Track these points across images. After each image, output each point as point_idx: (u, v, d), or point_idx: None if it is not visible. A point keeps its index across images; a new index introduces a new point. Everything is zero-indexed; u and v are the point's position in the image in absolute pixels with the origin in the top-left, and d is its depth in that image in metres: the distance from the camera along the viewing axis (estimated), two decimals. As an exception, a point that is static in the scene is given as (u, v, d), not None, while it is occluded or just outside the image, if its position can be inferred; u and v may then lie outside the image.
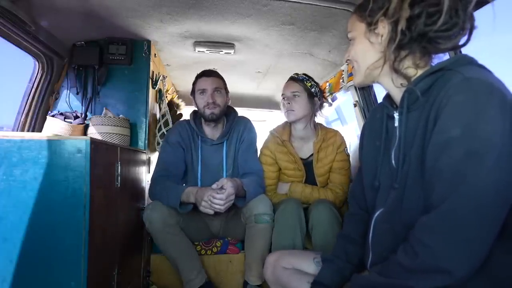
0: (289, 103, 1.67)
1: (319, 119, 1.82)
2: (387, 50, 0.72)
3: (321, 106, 1.76)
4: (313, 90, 1.69)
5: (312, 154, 1.70)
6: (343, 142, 1.70)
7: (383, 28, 0.72)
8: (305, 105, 1.66)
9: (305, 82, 1.68)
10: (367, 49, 0.76)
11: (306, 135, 1.72)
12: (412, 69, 0.73)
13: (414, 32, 0.68)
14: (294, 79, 1.71)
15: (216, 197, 1.36)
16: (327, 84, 2.41)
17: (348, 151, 1.73)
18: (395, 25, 0.69)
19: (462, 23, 0.66)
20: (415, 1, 0.67)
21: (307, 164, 1.70)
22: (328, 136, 1.70)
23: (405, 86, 0.73)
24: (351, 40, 0.81)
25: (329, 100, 2.46)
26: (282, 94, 1.72)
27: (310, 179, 1.70)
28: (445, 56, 0.74)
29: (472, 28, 0.67)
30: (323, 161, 1.67)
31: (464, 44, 0.69)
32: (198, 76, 1.71)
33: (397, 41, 0.70)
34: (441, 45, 0.68)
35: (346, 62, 0.87)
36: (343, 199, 1.64)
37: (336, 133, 1.72)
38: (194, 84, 1.72)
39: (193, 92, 1.72)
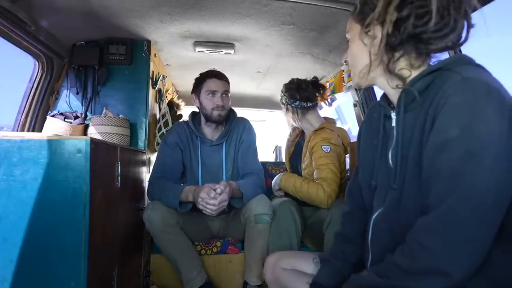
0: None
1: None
2: (380, 52, 0.72)
3: (312, 104, 1.74)
4: (283, 100, 1.78)
5: None
6: (319, 141, 1.61)
7: (376, 30, 0.72)
8: (288, 116, 1.81)
9: (281, 99, 1.81)
10: (361, 50, 0.76)
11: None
12: (407, 70, 0.72)
13: (404, 34, 0.68)
14: None
15: (209, 202, 1.40)
16: (328, 84, 2.41)
17: (335, 149, 1.63)
18: (392, 27, 0.69)
19: (453, 23, 0.65)
20: (403, 3, 0.67)
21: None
22: (313, 136, 1.67)
23: (401, 87, 0.73)
24: (349, 41, 0.81)
25: (329, 100, 2.46)
26: None
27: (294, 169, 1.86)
28: (443, 56, 0.73)
29: (469, 27, 0.67)
30: (306, 155, 1.70)
31: (458, 44, 0.68)
32: (208, 76, 1.68)
33: (385, 43, 0.70)
34: (433, 45, 0.68)
35: (345, 62, 0.87)
36: (331, 193, 1.53)
37: (320, 133, 1.66)
38: (200, 83, 1.68)
39: (197, 91, 1.69)
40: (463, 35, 0.68)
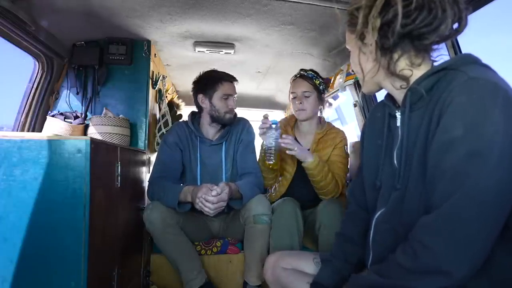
0: (300, 103, 1.67)
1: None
2: (377, 57, 0.72)
3: (326, 101, 1.80)
4: (321, 87, 1.70)
5: (309, 148, 1.68)
6: (343, 140, 1.70)
7: (368, 37, 0.72)
8: (315, 104, 1.69)
9: (314, 80, 1.69)
10: (361, 59, 0.77)
11: (310, 130, 1.75)
12: (408, 70, 0.72)
13: (395, 35, 0.67)
14: (304, 77, 1.69)
15: (208, 199, 1.39)
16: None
17: (348, 151, 1.72)
18: (377, 34, 0.69)
19: (442, 14, 0.64)
20: (387, 6, 0.66)
21: None
22: (330, 132, 1.72)
23: (405, 87, 0.73)
24: (350, 51, 0.81)
25: (331, 98, 2.46)
26: (293, 93, 1.70)
27: (300, 171, 1.64)
28: (444, 51, 0.73)
29: (461, 13, 0.66)
30: (320, 152, 1.66)
31: (454, 33, 0.68)
32: (224, 79, 1.66)
33: (380, 47, 0.70)
34: (427, 40, 0.67)
35: (352, 71, 0.88)
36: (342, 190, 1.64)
37: (339, 131, 1.74)
38: (215, 85, 1.64)
39: (209, 92, 1.65)
40: (458, 23, 0.67)
